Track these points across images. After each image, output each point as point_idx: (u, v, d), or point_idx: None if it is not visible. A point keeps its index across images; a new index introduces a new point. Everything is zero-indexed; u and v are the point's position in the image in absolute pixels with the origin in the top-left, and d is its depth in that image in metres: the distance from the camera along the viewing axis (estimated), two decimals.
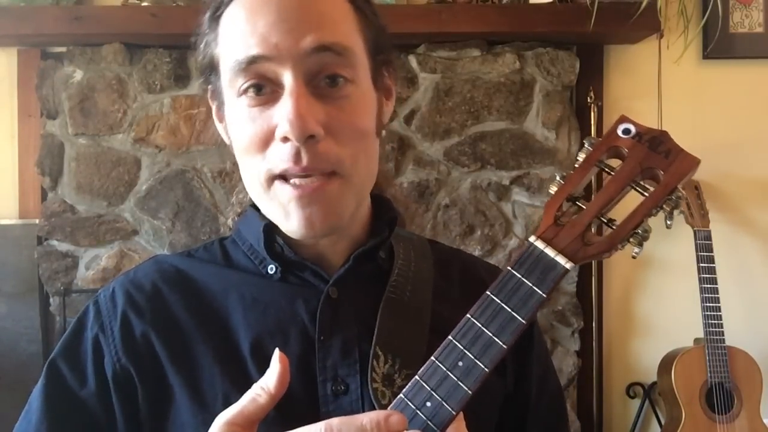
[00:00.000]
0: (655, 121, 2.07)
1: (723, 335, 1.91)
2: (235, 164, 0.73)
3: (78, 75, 2.05)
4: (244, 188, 0.74)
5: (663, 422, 2.11)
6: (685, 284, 2.06)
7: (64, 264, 2.06)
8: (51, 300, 2.06)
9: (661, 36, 2.06)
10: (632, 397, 2.19)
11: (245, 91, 0.64)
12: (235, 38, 0.64)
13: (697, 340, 2.02)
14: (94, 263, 2.07)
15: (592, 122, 2.08)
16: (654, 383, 2.12)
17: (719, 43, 2.12)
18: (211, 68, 0.69)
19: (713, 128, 2.14)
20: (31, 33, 1.97)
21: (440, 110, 2.08)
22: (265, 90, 0.64)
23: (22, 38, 2.03)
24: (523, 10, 2.02)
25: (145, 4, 1.98)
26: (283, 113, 0.62)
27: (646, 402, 2.16)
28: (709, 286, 1.93)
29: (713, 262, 1.94)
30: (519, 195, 2.11)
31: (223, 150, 2.03)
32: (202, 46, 0.70)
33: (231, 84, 0.65)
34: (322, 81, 0.64)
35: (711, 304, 1.92)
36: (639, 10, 1.90)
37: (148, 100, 2.06)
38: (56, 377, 0.70)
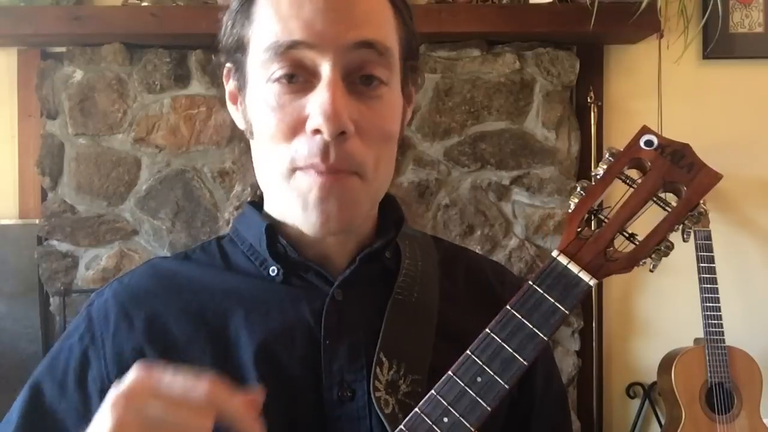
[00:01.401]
0: (655, 121, 2.07)
1: (723, 335, 1.91)
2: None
3: (78, 75, 2.05)
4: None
5: (663, 422, 2.11)
6: (685, 284, 2.06)
7: (64, 264, 2.06)
8: (51, 300, 2.06)
9: (661, 36, 2.06)
10: (632, 397, 2.19)
11: (277, 78, 0.62)
12: (276, 20, 0.62)
13: (697, 340, 2.02)
14: (94, 263, 2.07)
15: (592, 122, 2.08)
16: (654, 383, 2.12)
17: (719, 43, 2.12)
18: (238, 48, 0.67)
19: (713, 128, 2.13)
20: (31, 33, 1.96)
21: (440, 110, 2.08)
22: (298, 78, 0.62)
23: (22, 38, 2.02)
24: (523, 10, 2.02)
25: (145, 4, 1.98)
26: (318, 104, 0.60)
27: (646, 402, 2.16)
28: (709, 286, 1.93)
29: (713, 262, 1.94)
30: (519, 195, 2.11)
31: (223, 150, 2.03)
32: (230, 24, 0.68)
33: (263, 66, 0.63)
34: (357, 78, 0.63)
35: (711, 304, 1.92)
36: (639, 10, 1.90)
37: (148, 100, 2.06)
38: (37, 396, 0.68)
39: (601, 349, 2.15)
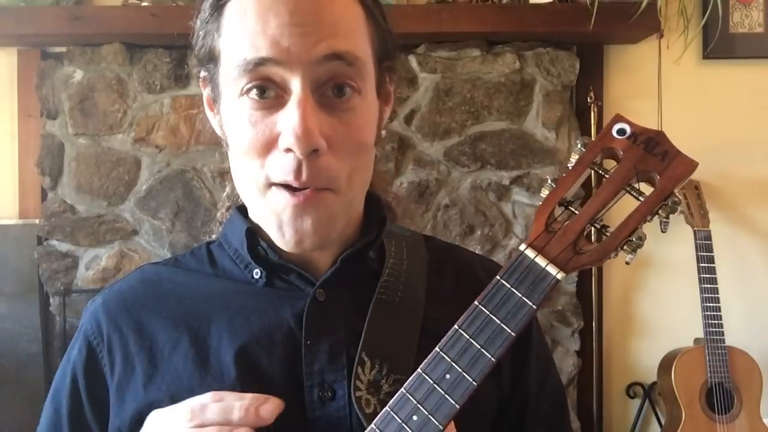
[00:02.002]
0: (655, 121, 2.07)
1: (723, 335, 1.91)
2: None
3: (78, 75, 2.05)
4: (233, 186, 0.73)
5: (663, 422, 2.11)
6: (685, 284, 2.06)
7: (64, 264, 2.06)
8: (51, 300, 2.06)
9: (661, 36, 2.06)
10: (632, 397, 2.19)
11: (248, 91, 0.62)
12: (243, 35, 0.61)
13: (697, 340, 2.02)
14: (94, 263, 2.07)
15: (592, 122, 2.08)
16: (654, 383, 2.12)
17: (719, 43, 2.12)
18: (210, 58, 0.67)
19: (713, 128, 2.13)
20: (31, 33, 1.97)
21: (440, 110, 2.08)
22: (269, 93, 0.61)
23: (22, 38, 2.03)
24: (523, 10, 2.02)
25: (145, 4, 1.98)
26: (288, 124, 0.60)
27: (646, 402, 2.16)
28: (709, 286, 1.93)
29: (713, 262, 1.94)
30: (519, 195, 2.11)
31: (223, 150, 2.03)
32: (201, 33, 0.67)
33: (234, 82, 0.62)
34: (328, 90, 0.62)
35: (711, 304, 1.92)
36: (639, 10, 1.90)
37: (148, 100, 2.06)
38: (58, 415, 0.71)
39: (601, 349, 2.15)
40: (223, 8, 0.64)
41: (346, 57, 0.61)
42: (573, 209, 0.58)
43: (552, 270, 0.56)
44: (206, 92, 0.71)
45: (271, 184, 0.63)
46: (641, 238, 0.56)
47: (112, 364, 0.69)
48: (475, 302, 0.57)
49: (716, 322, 1.91)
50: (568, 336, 2.12)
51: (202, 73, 0.70)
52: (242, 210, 0.75)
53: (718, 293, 1.93)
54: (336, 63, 0.61)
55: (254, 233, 0.70)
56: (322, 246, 0.67)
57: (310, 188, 0.62)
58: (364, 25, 0.65)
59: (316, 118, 0.60)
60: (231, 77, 0.63)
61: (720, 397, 1.91)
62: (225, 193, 0.83)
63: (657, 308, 2.19)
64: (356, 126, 0.64)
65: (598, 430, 2.14)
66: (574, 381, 2.12)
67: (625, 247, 0.56)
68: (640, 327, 2.20)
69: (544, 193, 0.58)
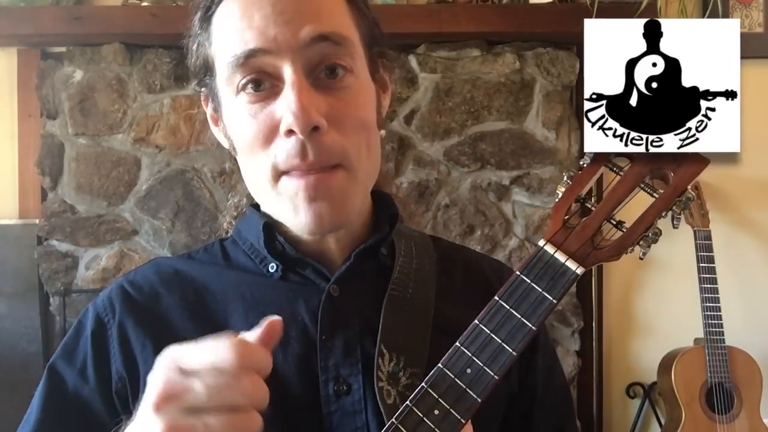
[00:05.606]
0: None
1: (723, 335, 1.91)
2: (235, 164, 0.73)
3: (78, 75, 2.05)
4: (240, 191, 0.73)
5: (663, 422, 2.11)
6: (685, 284, 2.06)
7: (64, 264, 2.06)
8: (51, 300, 2.06)
9: None
10: (632, 397, 2.19)
11: (243, 87, 0.63)
12: (231, 34, 0.63)
13: (697, 340, 2.02)
14: (94, 263, 2.07)
15: None
16: (654, 383, 2.12)
17: None
18: (205, 69, 0.68)
19: None
20: (31, 33, 1.96)
21: (440, 110, 2.08)
22: (264, 85, 0.63)
23: (22, 38, 2.02)
24: (523, 10, 2.02)
25: (145, 4, 1.98)
26: (286, 106, 0.61)
27: (646, 402, 2.16)
28: (709, 286, 1.93)
29: (713, 262, 1.94)
30: (519, 195, 2.11)
31: (223, 150, 2.02)
32: (194, 47, 0.69)
33: (229, 81, 0.64)
34: (321, 72, 0.63)
35: (711, 304, 1.92)
36: (639, 10, 1.90)
37: (148, 100, 2.06)
38: (56, 380, 0.70)
39: (601, 349, 2.15)
40: (211, 18, 0.66)
41: (333, 37, 0.63)
42: (589, 205, 0.60)
43: (572, 265, 0.57)
44: (209, 109, 0.72)
45: (280, 174, 0.64)
46: (657, 234, 0.58)
47: (122, 344, 0.69)
48: (495, 297, 0.58)
49: (716, 322, 1.92)
50: (568, 336, 2.12)
51: (203, 90, 0.71)
52: (256, 207, 0.76)
53: (718, 293, 1.93)
54: (324, 44, 0.63)
55: (271, 228, 0.71)
56: (341, 227, 0.68)
57: (319, 169, 0.63)
58: (346, 9, 0.67)
59: (312, 97, 0.61)
60: (225, 77, 0.64)
61: (720, 397, 1.91)
62: (230, 202, 0.84)
63: (657, 308, 2.19)
64: (354, 103, 0.65)
65: (598, 430, 2.14)
66: (574, 381, 2.12)
67: (641, 243, 0.58)
68: (640, 327, 2.20)
69: (561, 189, 0.60)
